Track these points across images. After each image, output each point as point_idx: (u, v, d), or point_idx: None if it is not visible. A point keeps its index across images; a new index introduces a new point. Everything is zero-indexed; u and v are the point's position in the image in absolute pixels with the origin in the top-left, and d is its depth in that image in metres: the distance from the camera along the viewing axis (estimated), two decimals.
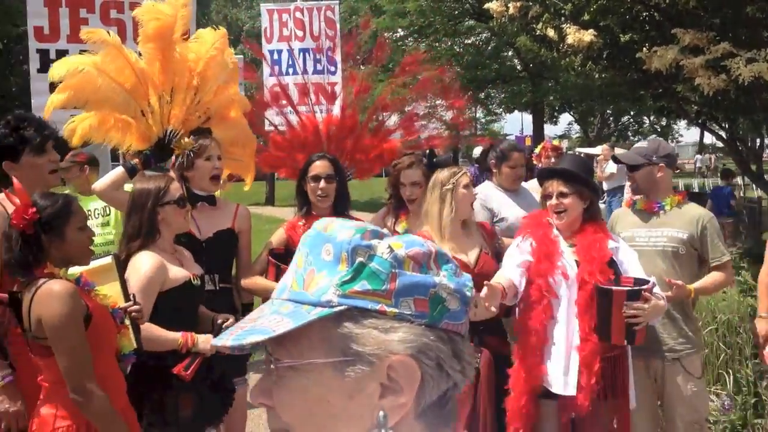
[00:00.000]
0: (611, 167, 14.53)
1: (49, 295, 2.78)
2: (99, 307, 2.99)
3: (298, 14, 10.75)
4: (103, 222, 6.07)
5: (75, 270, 3.04)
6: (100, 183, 4.19)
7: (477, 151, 13.48)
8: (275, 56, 10.26)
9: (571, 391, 3.70)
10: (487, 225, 4.54)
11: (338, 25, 9.95)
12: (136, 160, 4.21)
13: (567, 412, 3.77)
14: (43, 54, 5.83)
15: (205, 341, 3.49)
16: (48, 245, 2.88)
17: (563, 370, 3.75)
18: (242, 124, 4.74)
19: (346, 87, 5.03)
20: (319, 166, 4.30)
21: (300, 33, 10.66)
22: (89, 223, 5.89)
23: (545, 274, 3.83)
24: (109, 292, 3.17)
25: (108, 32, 4.24)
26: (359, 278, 0.97)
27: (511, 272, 3.84)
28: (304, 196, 4.35)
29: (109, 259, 3.31)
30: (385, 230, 1.08)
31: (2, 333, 3.00)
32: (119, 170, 4.17)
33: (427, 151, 4.87)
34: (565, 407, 3.79)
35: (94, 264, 3.23)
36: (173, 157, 4.27)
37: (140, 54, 4.34)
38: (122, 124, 4.27)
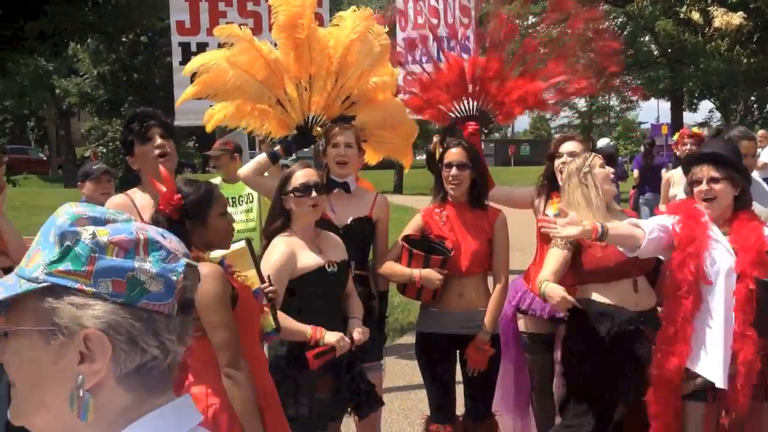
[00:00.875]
0: (766, 155, 13.66)
1: (201, 277, 2.88)
2: (243, 288, 3.09)
3: (433, 2, 10.77)
4: (246, 209, 6.27)
5: (216, 254, 3.14)
6: (245, 169, 4.34)
7: (602, 142, 12.89)
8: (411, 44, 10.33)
9: (724, 385, 3.51)
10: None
11: (473, 13, 9.90)
12: (278, 147, 4.33)
13: (720, 413, 3.59)
14: (185, 47, 6.07)
15: (332, 336, 3.55)
16: (191, 230, 2.97)
17: (718, 363, 3.56)
18: (392, 106, 4.70)
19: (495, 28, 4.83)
20: (454, 154, 4.27)
21: (435, 21, 10.66)
22: (234, 209, 6.19)
23: (697, 256, 3.64)
24: (246, 273, 3.27)
25: (239, 27, 4.38)
26: (64, 260, 1.13)
27: (642, 223, 3.72)
28: (441, 182, 4.34)
29: (242, 244, 3.41)
30: (116, 215, 1.21)
31: None
32: (262, 156, 4.30)
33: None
34: (718, 407, 3.60)
35: (232, 248, 3.32)
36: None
37: (276, 45, 4.44)
38: (259, 111, 4.40)
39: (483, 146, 5.41)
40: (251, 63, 4.27)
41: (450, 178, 4.21)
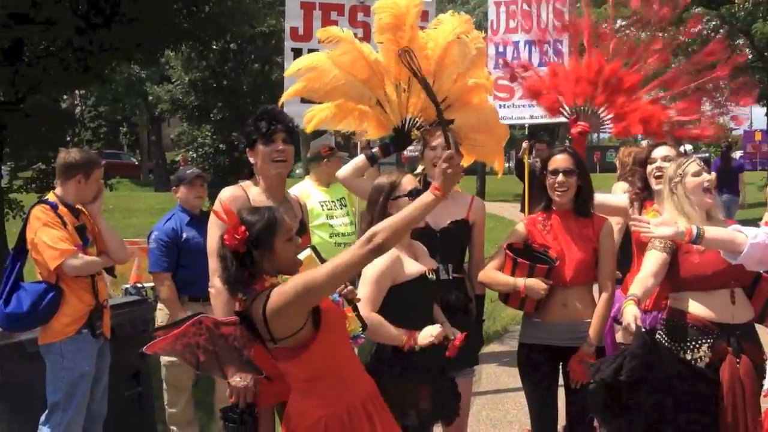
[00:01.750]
0: None
1: (275, 294, 2.90)
2: (327, 305, 3.06)
3: (525, 6, 10.67)
4: (345, 212, 6.28)
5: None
6: (343, 170, 4.39)
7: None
8: (500, 49, 10.23)
9: None
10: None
11: (567, 17, 9.73)
12: (376, 149, 4.33)
13: None
14: (297, 53, 6.32)
15: (423, 338, 3.51)
16: (260, 259, 2.98)
17: None
18: (487, 110, 4.70)
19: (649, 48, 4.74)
20: (560, 160, 4.16)
21: (527, 25, 10.56)
22: (336, 212, 6.21)
23: None
24: None
25: (341, 29, 4.48)
26: None
27: (745, 229, 3.58)
28: (545, 189, 4.23)
29: (308, 251, 3.39)
30: None
31: (248, 354, 3.16)
32: (361, 158, 4.30)
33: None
34: None
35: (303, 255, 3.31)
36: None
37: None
38: (359, 113, 4.46)
39: None
40: (353, 63, 4.34)
41: (556, 185, 4.11)
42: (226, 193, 3.72)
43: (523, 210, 11.56)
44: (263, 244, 2.96)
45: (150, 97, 24.97)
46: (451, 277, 4.18)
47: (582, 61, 4.68)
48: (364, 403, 3.04)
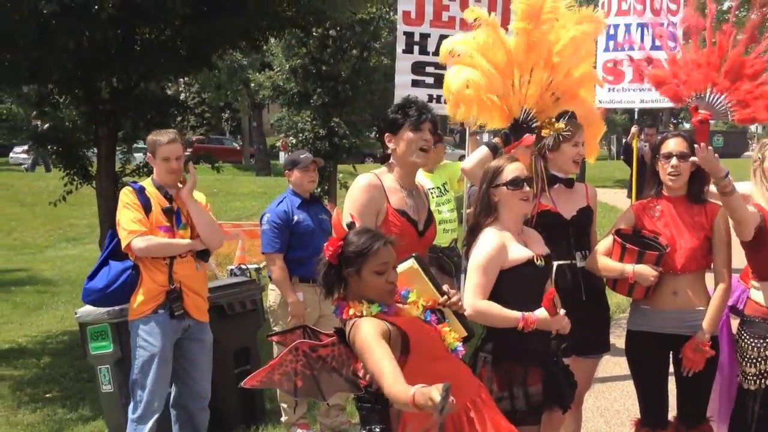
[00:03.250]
0: None
1: (358, 326, 3.00)
2: (409, 321, 3.11)
3: None
4: (448, 198, 6.29)
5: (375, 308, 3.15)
6: (469, 162, 4.40)
7: None
8: (611, 31, 10.00)
9: None
10: None
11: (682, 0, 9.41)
12: (497, 139, 4.32)
13: None
14: (408, 36, 6.34)
15: (542, 319, 3.48)
16: (348, 278, 3.10)
17: None
18: (589, 104, 4.70)
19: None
20: (673, 144, 4.06)
21: (639, 7, 10.27)
22: (440, 199, 6.24)
23: None
24: (421, 292, 3.24)
25: (489, 12, 4.42)
26: None
27: None
28: (656, 174, 4.13)
29: (411, 263, 3.37)
30: None
31: (348, 372, 3.22)
32: (484, 149, 4.30)
33: None
34: None
35: (399, 268, 3.30)
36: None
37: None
38: (489, 101, 4.43)
39: None
40: (495, 50, 4.32)
41: (670, 170, 4.01)
42: (362, 181, 3.73)
43: (630, 196, 11.29)
44: (351, 266, 3.06)
45: (252, 84, 25.45)
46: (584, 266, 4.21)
47: (703, 46, 4.52)
48: (466, 410, 3.06)
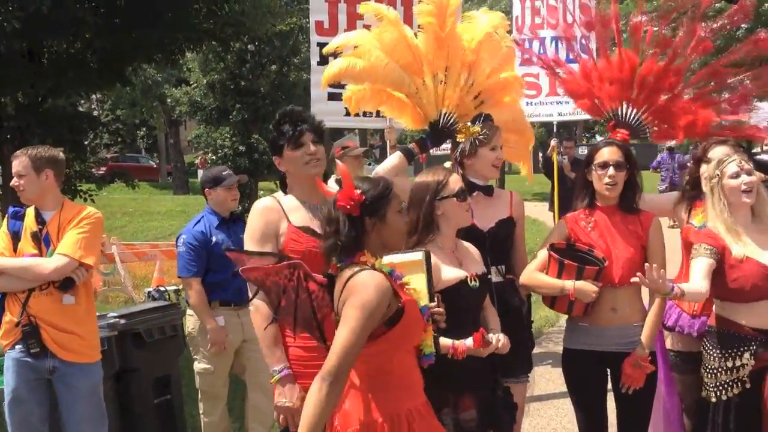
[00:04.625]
0: None
1: (361, 283, 2.75)
2: (411, 302, 2.90)
3: (551, 1, 10.44)
4: None
5: (388, 259, 2.98)
6: (381, 168, 4.16)
7: None
8: (526, 45, 10.01)
9: None
10: None
11: (593, 11, 9.51)
12: (413, 144, 4.14)
13: None
14: (322, 47, 6.01)
15: (473, 349, 3.32)
16: (370, 228, 2.86)
17: None
18: (517, 109, 4.52)
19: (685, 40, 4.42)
20: (607, 153, 3.94)
21: (553, 20, 10.33)
22: None
23: None
24: (416, 286, 3.05)
25: (387, 8, 4.24)
26: None
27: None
28: (588, 185, 4.02)
29: (419, 255, 3.18)
30: None
31: (321, 317, 2.97)
32: (397, 155, 4.10)
33: None
34: None
35: (405, 257, 3.14)
36: (449, 142, 4.16)
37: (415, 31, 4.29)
38: (396, 101, 4.24)
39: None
40: (395, 46, 4.12)
41: (607, 180, 3.90)
42: (258, 205, 3.49)
43: (552, 209, 11.34)
44: (376, 212, 2.86)
45: (168, 100, 24.92)
46: (505, 278, 3.99)
47: (613, 59, 4.44)
48: (409, 415, 2.88)
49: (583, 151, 13.02)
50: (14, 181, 4.27)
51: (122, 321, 5.51)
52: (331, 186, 3.00)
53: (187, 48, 10.03)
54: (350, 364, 2.71)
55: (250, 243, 3.37)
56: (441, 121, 4.15)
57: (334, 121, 6.64)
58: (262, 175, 20.65)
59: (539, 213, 17.03)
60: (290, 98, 21.28)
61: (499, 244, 3.98)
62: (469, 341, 3.30)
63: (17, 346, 4.27)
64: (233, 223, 5.33)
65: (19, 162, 4.24)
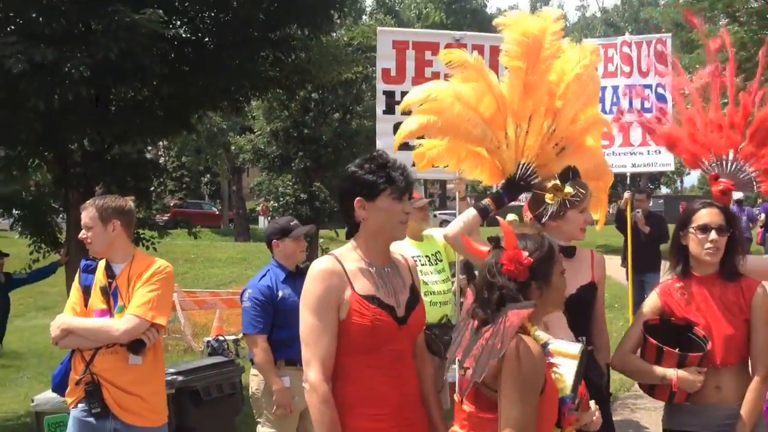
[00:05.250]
0: None
1: (521, 353, 2.48)
2: (552, 387, 2.57)
3: (625, 48, 10.13)
4: (440, 268, 5.76)
5: (542, 335, 2.67)
6: (453, 227, 3.82)
7: None
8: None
9: None
10: None
11: (670, 59, 9.15)
12: (488, 200, 3.81)
13: None
14: (389, 96, 5.81)
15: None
16: (536, 294, 2.63)
17: None
18: (598, 154, 4.15)
19: None
20: (711, 215, 3.55)
21: (627, 68, 10.01)
22: (429, 268, 5.73)
23: None
24: (563, 373, 2.69)
25: (470, 54, 3.83)
26: None
27: None
28: (682, 250, 3.62)
29: (577, 349, 2.78)
30: None
31: None
32: (471, 212, 3.77)
33: None
34: None
35: (562, 346, 2.74)
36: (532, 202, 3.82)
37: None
38: (474, 157, 3.92)
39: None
40: (479, 97, 3.75)
41: (708, 245, 3.50)
42: (316, 267, 3.02)
43: (624, 264, 10.86)
44: (544, 276, 2.64)
45: (233, 147, 25.14)
46: (589, 350, 3.59)
47: (723, 107, 4.06)
48: None
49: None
50: (82, 234, 4.09)
51: (179, 378, 5.29)
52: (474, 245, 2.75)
53: (253, 96, 9.95)
54: None
55: (305, 312, 2.97)
56: (518, 173, 3.83)
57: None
58: (323, 223, 20.55)
59: (610, 268, 16.45)
60: (352, 146, 21.27)
61: (580, 312, 3.61)
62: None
63: (80, 405, 4.06)
64: (299, 276, 5.05)
65: (87, 213, 4.07)
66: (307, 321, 2.95)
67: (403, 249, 5.72)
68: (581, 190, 3.66)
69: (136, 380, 4.05)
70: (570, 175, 3.69)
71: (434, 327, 5.50)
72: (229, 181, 39.25)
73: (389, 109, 5.81)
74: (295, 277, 5.00)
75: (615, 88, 9.99)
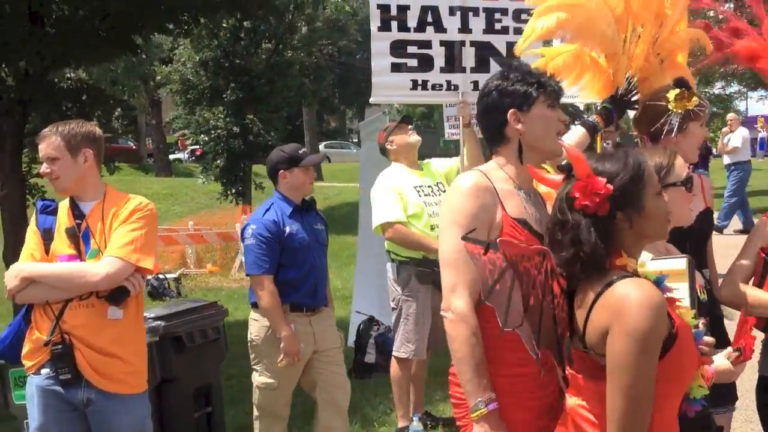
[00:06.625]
0: (735, 139, 14.47)
1: (626, 302, 2.00)
2: (685, 327, 2.12)
3: None
4: (436, 201, 5.32)
5: (653, 265, 2.26)
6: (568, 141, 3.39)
7: None
8: None
9: None
10: None
11: None
12: (597, 117, 3.38)
13: None
14: (384, 9, 5.15)
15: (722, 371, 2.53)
16: (625, 226, 2.13)
17: None
18: (688, 73, 3.74)
19: None
20: None
21: None
22: (432, 200, 5.30)
23: None
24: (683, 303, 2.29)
25: None
26: None
27: None
28: None
29: (683, 263, 2.43)
30: None
31: (560, 332, 2.20)
32: (580, 131, 3.34)
33: None
34: None
35: (665, 264, 2.42)
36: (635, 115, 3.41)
37: None
38: (595, 66, 3.45)
39: None
40: None
41: None
42: (467, 182, 2.63)
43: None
44: (633, 203, 2.12)
45: (158, 77, 23.83)
46: (710, 287, 3.26)
47: None
48: None
49: None
50: (44, 168, 3.45)
51: (162, 323, 4.77)
52: (543, 174, 2.28)
53: (202, 17, 9.15)
54: (646, 418, 1.95)
55: (453, 229, 2.54)
56: (627, 86, 3.43)
57: (398, 96, 5.89)
58: (257, 157, 19.79)
59: None
60: (286, 78, 20.44)
61: (701, 243, 3.27)
62: (721, 362, 2.51)
63: (43, 371, 3.41)
64: (307, 211, 4.54)
65: (49, 143, 3.43)
66: (453, 241, 2.50)
67: (404, 178, 5.30)
68: (702, 101, 3.28)
69: (117, 338, 3.43)
70: (682, 85, 3.29)
71: None
72: (147, 114, 37.66)
73: (385, 25, 5.18)
74: (302, 211, 4.48)
75: None
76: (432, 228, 5.14)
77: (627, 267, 2.11)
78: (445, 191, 5.37)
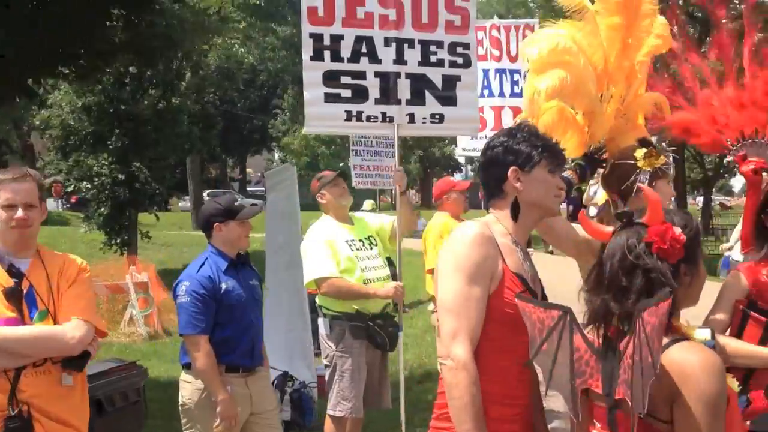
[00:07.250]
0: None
1: (690, 368, 1.99)
2: (733, 395, 2.12)
3: (494, 32, 10.03)
4: (370, 255, 5.23)
5: (703, 333, 2.24)
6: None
7: None
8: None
9: None
10: None
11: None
12: (570, 173, 3.40)
13: None
14: (317, 39, 5.03)
15: None
16: (684, 280, 2.13)
17: None
18: (643, 134, 3.84)
19: None
20: None
21: (496, 53, 9.94)
22: (366, 253, 5.18)
23: None
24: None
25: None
26: None
27: None
28: (763, 231, 3.41)
29: (708, 333, 2.41)
30: None
31: (578, 384, 2.14)
32: None
33: None
34: None
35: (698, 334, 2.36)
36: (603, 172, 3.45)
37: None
38: (574, 123, 3.47)
39: None
40: (594, 50, 3.35)
41: None
42: (471, 231, 2.59)
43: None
44: (694, 258, 2.14)
45: (37, 122, 22.77)
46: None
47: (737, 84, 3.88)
48: None
49: None
50: (21, 214, 3.13)
51: None
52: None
53: (101, 61, 8.83)
54: None
55: (456, 276, 2.49)
56: (596, 144, 3.48)
57: (332, 127, 5.75)
58: (143, 206, 19.13)
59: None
60: (174, 125, 19.96)
61: None
62: None
63: None
64: (242, 266, 4.34)
65: (28, 187, 3.17)
66: (457, 287, 2.48)
67: (336, 232, 5.19)
68: (669, 159, 3.35)
69: (72, 406, 3.18)
70: (647, 144, 3.36)
71: (377, 318, 5.02)
72: (21, 158, 35.92)
73: (317, 55, 5.07)
74: (238, 266, 4.28)
75: (485, 72, 9.88)
76: (365, 282, 5.06)
77: (682, 330, 2.11)
78: (377, 245, 5.31)
